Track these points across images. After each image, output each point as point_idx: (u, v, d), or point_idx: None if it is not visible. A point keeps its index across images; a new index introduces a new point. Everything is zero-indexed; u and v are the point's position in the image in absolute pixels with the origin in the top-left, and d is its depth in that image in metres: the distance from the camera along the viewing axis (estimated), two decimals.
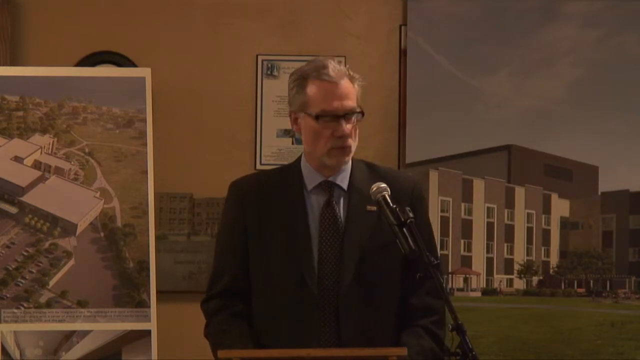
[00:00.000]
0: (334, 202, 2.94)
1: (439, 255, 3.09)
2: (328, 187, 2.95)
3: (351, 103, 2.90)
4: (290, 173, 3.00)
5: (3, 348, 4.41)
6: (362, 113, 2.92)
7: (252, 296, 2.99)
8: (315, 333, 2.88)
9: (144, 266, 4.47)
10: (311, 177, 2.98)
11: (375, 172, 3.00)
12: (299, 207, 2.94)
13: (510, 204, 4.99)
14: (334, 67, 2.92)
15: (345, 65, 3.00)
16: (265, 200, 2.97)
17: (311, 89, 2.91)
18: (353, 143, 2.92)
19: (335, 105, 2.88)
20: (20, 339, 4.44)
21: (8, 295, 4.45)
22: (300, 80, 2.93)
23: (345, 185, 2.96)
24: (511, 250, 4.99)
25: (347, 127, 2.89)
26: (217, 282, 3.05)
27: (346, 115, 2.89)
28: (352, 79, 2.95)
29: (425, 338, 2.85)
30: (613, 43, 4.96)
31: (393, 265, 2.88)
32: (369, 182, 2.90)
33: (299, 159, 3.04)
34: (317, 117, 2.89)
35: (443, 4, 4.96)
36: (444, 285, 3.05)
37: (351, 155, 2.95)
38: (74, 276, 4.48)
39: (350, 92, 2.91)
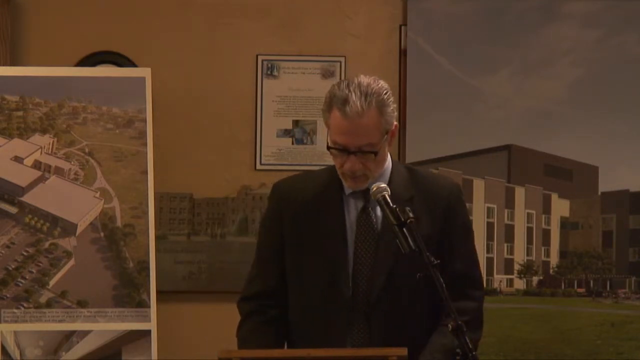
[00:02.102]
0: (369, 208, 2.93)
1: (476, 257, 3.06)
2: (364, 192, 2.95)
3: (364, 140, 2.81)
4: (331, 176, 2.98)
5: (3, 348, 4.41)
6: (375, 153, 2.83)
7: (288, 298, 3.00)
8: (347, 336, 2.89)
9: (144, 266, 4.48)
10: None
11: (414, 177, 2.98)
12: (336, 211, 2.94)
13: (510, 204, 4.99)
14: (354, 103, 2.79)
15: (377, 83, 2.85)
16: (304, 204, 2.96)
17: (332, 116, 2.84)
18: (369, 172, 2.87)
19: (346, 142, 2.82)
20: (20, 339, 4.44)
21: (8, 295, 4.45)
22: (329, 101, 2.86)
23: None
24: (511, 250, 4.99)
25: (358, 162, 2.83)
26: (253, 283, 3.06)
27: (357, 152, 2.83)
28: (380, 109, 2.82)
29: (451, 337, 2.82)
30: (613, 43, 4.96)
31: (424, 270, 2.86)
32: (407, 188, 2.90)
33: None
34: (329, 147, 2.88)
35: (443, 4, 4.96)
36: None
37: (369, 181, 2.88)
38: (74, 276, 4.48)
39: (369, 127, 2.81)
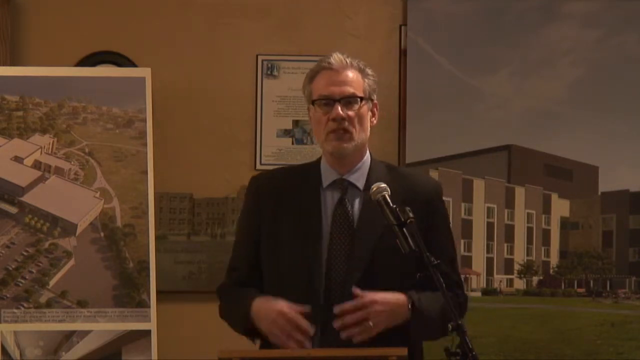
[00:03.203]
0: (346, 200, 2.94)
1: (456, 257, 3.08)
2: (342, 185, 2.95)
3: (348, 89, 2.93)
4: (309, 170, 3.02)
5: (3, 348, 4.41)
6: (361, 99, 2.93)
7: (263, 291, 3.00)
8: (320, 333, 2.87)
9: (144, 266, 4.48)
10: (327, 174, 2.99)
11: (394, 174, 3.00)
12: (313, 204, 2.95)
13: (510, 204, 4.99)
14: (338, 57, 2.98)
15: (359, 61, 3.02)
16: (281, 197, 2.98)
17: (317, 78, 2.97)
18: (353, 129, 2.93)
19: (331, 90, 2.93)
20: (20, 339, 4.44)
21: (8, 295, 4.45)
22: (310, 73, 3.00)
23: (361, 185, 2.96)
24: (511, 250, 4.99)
25: (344, 111, 2.91)
26: (231, 275, 3.08)
27: (342, 99, 2.91)
28: (362, 72, 2.98)
29: (440, 297, 2.79)
30: (613, 43, 4.96)
31: (404, 267, 2.86)
32: (387, 184, 2.89)
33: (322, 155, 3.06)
34: (313, 102, 2.94)
35: (443, 4, 4.96)
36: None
37: (353, 142, 2.94)
38: (74, 276, 4.48)
39: (352, 80, 2.95)
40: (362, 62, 3.02)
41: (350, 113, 2.92)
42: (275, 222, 2.97)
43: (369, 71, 3.01)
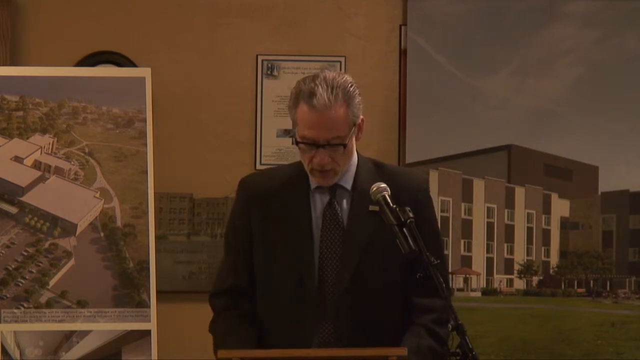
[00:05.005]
0: (335, 203, 2.94)
1: (444, 252, 3.07)
2: (330, 187, 2.95)
3: (333, 133, 2.82)
4: (298, 171, 2.99)
5: (3, 348, 4.41)
6: (344, 146, 2.84)
7: (256, 294, 3.00)
8: (314, 333, 2.88)
9: (144, 266, 4.48)
10: None
11: (381, 171, 2.98)
12: (302, 206, 2.94)
13: (510, 204, 4.99)
14: (321, 95, 2.80)
15: (342, 76, 2.88)
16: (271, 199, 2.97)
17: (299, 110, 2.85)
18: (337, 167, 2.88)
19: (314, 135, 2.83)
20: (20, 339, 4.44)
21: (8, 295, 4.45)
22: (295, 96, 2.88)
23: (349, 186, 2.95)
24: (511, 250, 4.99)
25: (327, 155, 2.84)
26: (224, 279, 3.06)
27: (326, 145, 2.84)
28: (347, 102, 2.84)
29: (425, 337, 2.84)
30: (613, 43, 4.96)
31: (394, 266, 2.87)
32: (374, 182, 2.88)
33: None
34: (297, 143, 2.88)
35: (443, 4, 4.96)
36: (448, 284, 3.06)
37: (338, 176, 2.91)
38: (74, 276, 4.48)
39: (336, 120, 2.82)
40: (348, 83, 2.85)
41: (335, 155, 2.85)
42: (265, 225, 2.96)
43: (355, 93, 2.86)
